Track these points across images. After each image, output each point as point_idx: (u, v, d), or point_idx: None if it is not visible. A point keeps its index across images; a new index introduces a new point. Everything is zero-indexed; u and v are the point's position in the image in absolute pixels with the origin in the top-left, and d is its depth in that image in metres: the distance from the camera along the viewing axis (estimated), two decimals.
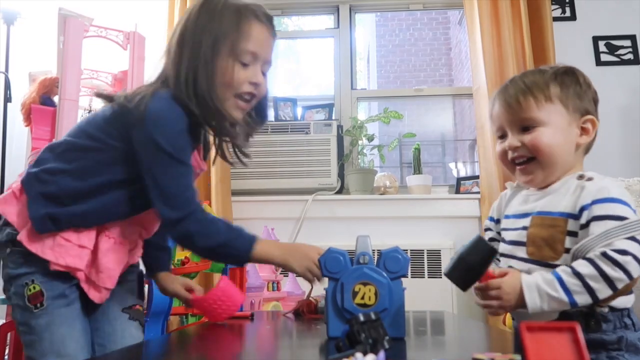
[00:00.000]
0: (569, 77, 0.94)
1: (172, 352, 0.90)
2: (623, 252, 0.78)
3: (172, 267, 1.61)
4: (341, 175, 2.52)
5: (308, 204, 2.43)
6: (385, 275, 0.81)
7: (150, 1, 2.65)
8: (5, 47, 2.29)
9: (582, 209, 0.85)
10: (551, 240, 0.87)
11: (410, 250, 2.29)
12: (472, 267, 0.80)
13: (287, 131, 2.53)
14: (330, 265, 0.83)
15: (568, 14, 2.60)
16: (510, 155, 0.94)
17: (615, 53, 2.54)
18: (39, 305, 0.94)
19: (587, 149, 0.97)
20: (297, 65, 6.09)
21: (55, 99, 1.99)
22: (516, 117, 0.92)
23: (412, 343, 0.85)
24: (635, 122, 2.47)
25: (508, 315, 1.84)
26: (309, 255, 0.96)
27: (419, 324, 1.14)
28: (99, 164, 0.96)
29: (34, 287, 0.95)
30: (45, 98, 2.02)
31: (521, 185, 1.00)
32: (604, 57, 2.53)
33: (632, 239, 0.79)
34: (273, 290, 2.00)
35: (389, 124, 2.61)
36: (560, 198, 0.89)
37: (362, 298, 0.80)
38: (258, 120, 1.10)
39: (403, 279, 0.83)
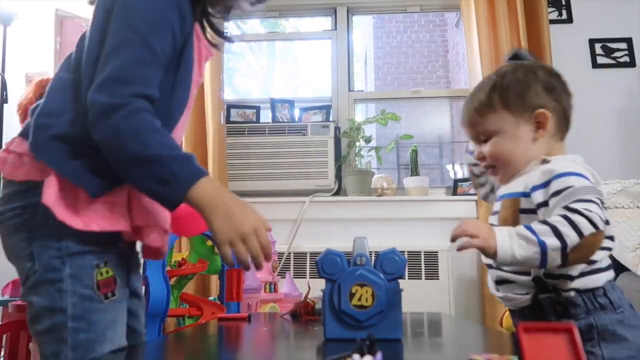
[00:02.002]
0: (508, 78, 0.96)
1: (169, 354, 0.90)
2: (586, 209, 0.78)
3: (168, 268, 1.60)
4: (338, 177, 2.53)
5: (305, 205, 2.42)
6: (382, 276, 0.81)
7: None
8: (2, 48, 2.29)
9: (534, 188, 0.88)
10: (511, 219, 0.90)
11: (408, 251, 2.29)
12: None
13: (285, 133, 2.53)
14: (328, 266, 0.82)
15: (564, 16, 2.62)
16: (481, 163, 1.02)
17: (612, 55, 2.55)
18: (109, 295, 0.77)
19: (560, 133, 0.96)
20: (295, 67, 6.10)
21: None
22: (472, 132, 1.00)
23: (409, 344, 0.85)
24: (631, 124, 2.48)
25: (505, 316, 1.84)
26: (247, 226, 0.75)
27: (416, 325, 1.14)
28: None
29: (107, 272, 0.77)
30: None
31: None
32: (600, 60, 2.54)
33: (589, 201, 0.80)
34: (270, 291, 2.00)
35: (386, 125, 2.62)
36: (521, 181, 0.93)
37: (359, 299, 0.80)
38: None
39: (400, 281, 0.83)
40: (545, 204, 0.86)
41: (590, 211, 0.78)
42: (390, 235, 2.34)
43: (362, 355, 0.45)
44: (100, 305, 0.77)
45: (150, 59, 0.75)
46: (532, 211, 0.88)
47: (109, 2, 0.79)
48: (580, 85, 2.49)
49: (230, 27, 3.16)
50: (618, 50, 2.55)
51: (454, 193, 2.53)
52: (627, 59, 2.54)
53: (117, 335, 0.80)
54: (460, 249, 0.82)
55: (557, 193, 0.84)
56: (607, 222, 0.84)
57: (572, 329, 0.45)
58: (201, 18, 0.88)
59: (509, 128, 0.94)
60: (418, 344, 0.90)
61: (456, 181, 2.58)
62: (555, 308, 0.86)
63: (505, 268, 0.92)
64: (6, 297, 1.86)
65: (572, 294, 0.85)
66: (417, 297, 2.14)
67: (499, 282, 0.94)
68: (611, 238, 0.88)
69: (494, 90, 0.95)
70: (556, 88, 0.95)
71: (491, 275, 0.96)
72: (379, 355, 0.45)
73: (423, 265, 2.29)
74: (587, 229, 0.77)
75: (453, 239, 0.82)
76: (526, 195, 0.90)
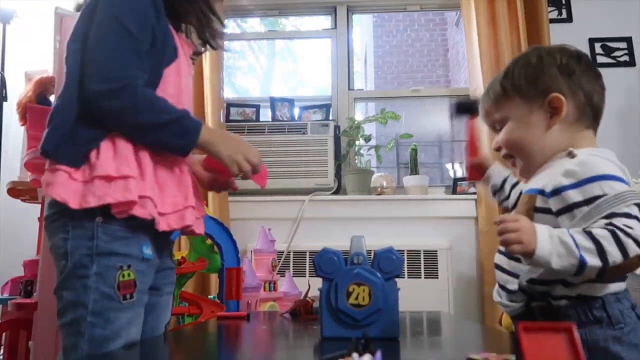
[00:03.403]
0: (521, 62, 0.91)
1: (168, 353, 0.90)
2: (631, 228, 0.71)
3: None
4: (338, 176, 2.52)
5: (305, 204, 2.42)
6: (379, 275, 0.81)
7: None
8: (1, 46, 2.29)
9: (555, 191, 0.80)
10: (524, 217, 0.80)
11: (407, 250, 2.29)
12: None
13: (285, 131, 2.52)
14: (325, 265, 0.82)
15: (564, 15, 2.61)
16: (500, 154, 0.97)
17: (611, 55, 2.54)
18: (128, 296, 0.83)
19: (584, 120, 0.87)
20: (295, 66, 6.09)
21: (52, 98, 1.98)
22: (488, 122, 0.97)
23: (408, 343, 0.85)
24: (631, 123, 2.48)
25: (505, 315, 1.84)
26: (241, 148, 0.95)
27: (415, 324, 1.14)
28: None
29: (129, 274, 0.83)
30: (42, 97, 2.01)
31: None
32: (600, 59, 2.54)
33: (628, 215, 0.73)
34: (270, 290, 2.00)
35: (386, 124, 2.61)
36: (544, 175, 0.86)
37: (356, 298, 0.80)
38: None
39: (400, 279, 0.83)
40: (567, 210, 0.78)
41: (632, 228, 0.71)
42: (390, 234, 2.34)
43: (359, 354, 0.45)
44: (119, 304, 0.82)
45: (133, 45, 0.85)
46: (548, 211, 0.81)
47: (92, 4, 0.89)
48: None
49: (230, 25, 3.16)
50: (618, 49, 2.55)
51: (454, 192, 2.53)
52: (626, 58, 2.54)
53: (131, 335, 0.84)
54: (506, 249, 0.76)
55: (586, 202, 0.76)
56: None
57: (572, 328, 0.44)
58: (179, 23, 1.00)
59: (521, 114, 0.89)
60: (417, 343, 0.90)
61: (456, 180, 2.58)
62: (545, 317, 0.80)
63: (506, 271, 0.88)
64: (5, 295, 1.86)
65: (563, 302, 0.79)
66: (416, 296, 2.13)
67: (502, 286, 0.89)
68: None
69: (507, 76, 0.91)
70: (575, 71, 0.87)
71: (499, 279, 0.90)
72: (378, 354, 0.45)
73: (422, 264, 2.29)
74: (633, 250, 0.70)
75: (500, 238, 0.76)
76: (544, 194, 0.82)
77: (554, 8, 2.61)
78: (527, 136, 0.89)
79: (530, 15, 2.44)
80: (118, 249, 0.83)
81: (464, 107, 1.16)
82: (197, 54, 1.08)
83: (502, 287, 0.90)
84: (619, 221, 0.72)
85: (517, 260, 0.84)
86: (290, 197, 2.45)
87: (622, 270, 0.75)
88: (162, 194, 0.88)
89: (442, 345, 0.93)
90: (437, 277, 2.27)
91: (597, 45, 2.55)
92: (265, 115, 2.73)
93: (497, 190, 1.10)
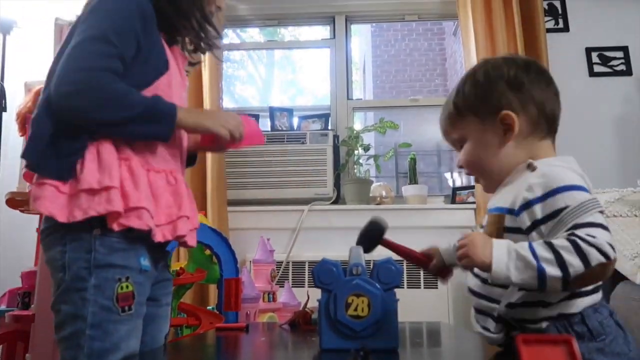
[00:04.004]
0: (470, 81, 0.90)
1: None
2: (593, 236, 0.71)
3: None
4: (337, 185, 2.52)
5: (304, 214, 2.42)
6: (378, 286, 0.81)
7: None
8: (1, 57, 2.30)
9: (522, 207, 0.79)
10: (495, 237, 0.79)
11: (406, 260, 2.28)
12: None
13: (283, 141, 2.53)
14: (324, 276, 0.82)
15: (561, 25, 2.63)
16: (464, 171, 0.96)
17: (608, 64, 2.56)
18: (127, 308, 0.83)
19: (539, 131, 0.86)
20: (294, 76, 6.13)
21: None
22: (449, 141, 0.96)
23: (407, 354, 0.85)
24: (628, 132, 2.49)
25: None
26: (220, 114, 0.96)
27: (414, 334, 1.13)
28: None
29: (127, 286, 0.83)
30: None
31: None
32: (597, 68, 2.56)
33: (591, 224, 0.73)
34: (269, 301, 1.98)
35: (384, 134, 2.62)
36: (508, 192, 0.84)
37: (355, 309, 0.80)
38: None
39: (399, 290, 0.83)
40: (535, 225, 0.77)
41: (595, 237, 0.70)
42: None
43: None
44: (117, 317, 0.82)
45: (107, 49, 0.83)
46: (518, 230, 0.80)
47: (81, 17, 0.88)
48: (577, 93, 2.54)
49: (229, 35, 3.18)
50: (614, 58, 2.56)
51: (453, 201, 2.53)
52: (623, 67, 2.55)
53: (131, 348, 0.84)
54: (459, 263, 0.78)
55: (550, 216, 0.75)
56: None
57: (571, 340, 0.44)
58: (174, 37, 0.99)
59: (475, 133, 0.88)
60: (416, 354, 0.90)
61: (455, 189, 2.58)
62: None
63: (480, 296, 0.86)
64: (3, 307, 1.84)
65: (544, 324, 0.78)
66: (416, 306, 2.13)
67: (478, 311, 0.87)
68: None
69: (458, 95, 0.90)
70: (524, 83, 0.85)
71: (475, 304, 0.89)
72: None
73: (422, 274, 2.28)
74: (595, 259, 0.69)
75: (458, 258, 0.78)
76: (512, 212, 0.80)
77: (550, 18, 2.63)
78: (484, 156, 0.88)
79: (527, 25, 2.46)
80: (116, 261, 0.83)
81: (373, 235, 1.11)
82: (193, 64, 1.08)
83: (479, 311, 0.88)
84: (581, 231, 0.72)
85: (491, 283, 0.83)
86: (289, 207, 2.45)
87: (587, 280, 0.74)
88: (156, 204, 0.87)
89: (441, 356, 0.93)
90: (437, 288, 2.26)
91: (594, 55, 2.57)
92: (264, 124, 2.74)
93: None
